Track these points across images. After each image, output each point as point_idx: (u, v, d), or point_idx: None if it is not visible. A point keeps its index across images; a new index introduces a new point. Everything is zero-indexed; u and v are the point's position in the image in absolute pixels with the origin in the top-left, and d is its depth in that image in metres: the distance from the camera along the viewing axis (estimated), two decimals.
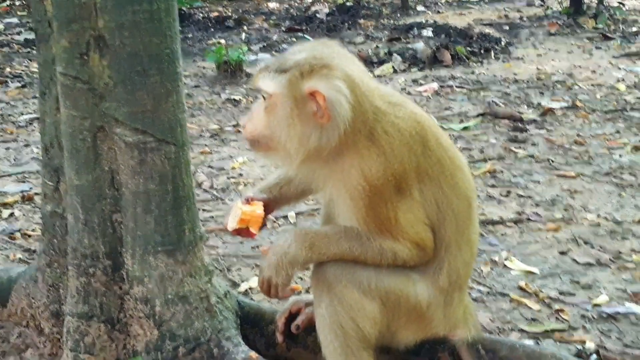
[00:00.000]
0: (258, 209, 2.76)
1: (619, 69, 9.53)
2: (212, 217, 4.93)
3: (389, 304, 2.66)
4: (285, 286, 2.62)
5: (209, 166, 6.02)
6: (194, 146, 6.59)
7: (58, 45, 2.70)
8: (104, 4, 2.63)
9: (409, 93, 8.55)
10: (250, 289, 3.87)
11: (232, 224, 2.74)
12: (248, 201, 2.79)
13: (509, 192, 5.35)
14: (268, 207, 2.83)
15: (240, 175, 5.82)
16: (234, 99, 8.29)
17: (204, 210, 5.04)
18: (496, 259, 4.27)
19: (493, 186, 5.49)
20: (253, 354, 2.87)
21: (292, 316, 3.00)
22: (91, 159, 2.74)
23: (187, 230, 2.82)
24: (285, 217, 4.90)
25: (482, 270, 4.12)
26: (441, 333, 2.81)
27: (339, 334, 2.63)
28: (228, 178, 5.75)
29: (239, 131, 7.11)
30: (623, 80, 8.87)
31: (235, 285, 3.91)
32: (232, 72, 9.11)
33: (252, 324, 3.08)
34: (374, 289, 2.64)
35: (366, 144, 2.52)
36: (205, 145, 6.57)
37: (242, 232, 2.76)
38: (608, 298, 3.77)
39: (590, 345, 3.29)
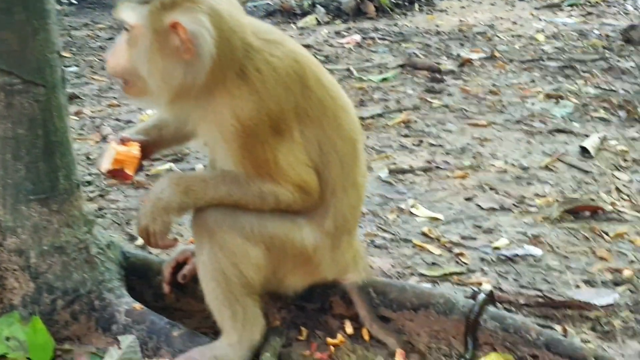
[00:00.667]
0: (134, 149, 2.64)
1: (540, 20, 9.59)
2: None
3: (273, 249, 2.60)
4: (163, 234, 2.52)
5: (117, 119, 5.86)
6: (102, 99, 6.44)
7: None
8: None
9: (331, 45, 8.48)
10: None
11: (106, 164, 2.61)
12: (123, 142, 2.66)
13: (421, 141, 5.33)
14: (146, 150, 2.71)
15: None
16: None
17: None
18: (403, 206, 4.24)
19: (406, 136, 5.46)
20: (137, 305, 2.78)
21: (179, 266, 2.92)
22: None
23: (62, 178, 2.70)
24: (193, 169, 4.79)
25: (387, 218, 4.08)
26: (330, 277, 2.77)
27: (221, 281, 2.57)
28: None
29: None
30: (543, 31, 8.93)
31: (133, 238, 3.80)
32: None
33: (139, 276, 2.99)
34: (257, 234, 2.57)
35: (237, 83, 2.42)
36: (114, 97, 6.40)
37: (117, 174, 2.63)
38: (508, 241, 3.77)
39: (486, 287, 3.27)
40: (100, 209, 4.14)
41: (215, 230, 2.54)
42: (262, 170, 2.50)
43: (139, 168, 2.68)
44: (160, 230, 2.51)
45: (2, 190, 2.64)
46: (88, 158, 4.98)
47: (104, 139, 5.29)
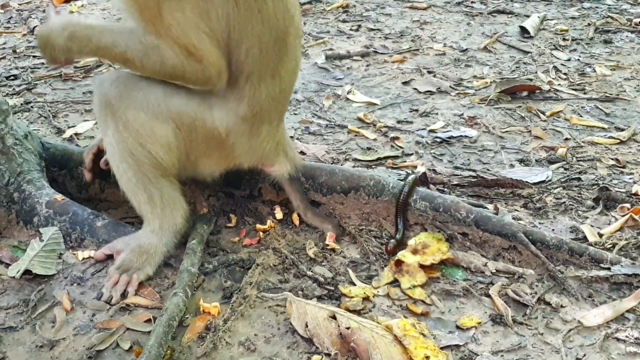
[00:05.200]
0: None
1: None
2: (43, 63, 4.59)
3: (183, 127, 2.47)
4: (53, 64, 2.47)
5: (44, 11, 5.60)
6: None
7: None
8: None
9: None
10: (76, 134, 3.63)
11: None
12: None
13: (359, 26, 5.21)
14: None
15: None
16: None
17: (34, 57, 4.70)
18: (339, 92, 4.15)
19: (344, 21, 5.34)
20: (59, 196, 2.68)
21: (100, 153, 2.80)
22: None
23: None
24: None
25: (323, 105, 4.00)
26: (246, 164, 2.66)
27: (130, 162, 2.47)
28: None
29: None
30: None
31: (60, 131, 3.67)
32: None
33: (60, 166, 2.88)
34: (164, 111, 2.44)
35: None
36: None
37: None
38: (444, 124, 3.73)
39: (420, 169, 3.23)
40: (27, 102, 3.99)
41: (117, 106, 2.42)
42: (149, 21, 2.30)
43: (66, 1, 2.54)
44: (49, 61, 2.47)
45: None
46: (14, 52, 4.77)
47: (32, 31, 5.06)
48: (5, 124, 2.68)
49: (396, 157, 3.41)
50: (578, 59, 4.52)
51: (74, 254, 2.57)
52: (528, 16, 5.13)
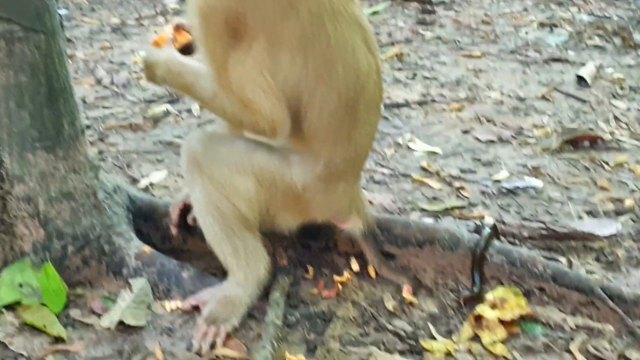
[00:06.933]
0: (182, 39, 2.69)
1: None
2: (113, 114, 4.76)
3: (263, 182, 2.58)
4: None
5: (110, 61, 5.80)
6: (93, 42, 6.36)
7: None
8: None
9: None
10: (151, 184, 3.76)
11: (152, 38, 2.72)
12: (177, 28, 2.71)
13: (415, 74, 5.31)
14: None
15: (142, 69, 5.61)
16: None
17: (103, 107, 4.87)
18: (400, 141, 4.25)
19: (400, 69, 5.45)
20: (146, 248, 2.80)
21: (186, 208, 2.93)
22: None
23: (66, 124, 2.69)
24: (189, 110, 4.77)
25: (385, 153, 4.09)
26: (320, 219, 2.76)
27: (216, 216, 2.58)
28: (129, 73, 5.56)
29: (142, 24, 6.87)
30: None
31: (135, 181, 3.80)
32: None
33: (146, 218, 3.00)
34: (246, 166, 2.56)
35: None
36: (106, 40, 6.33)
37: None
38: (508, 173, 3.79)
39: (489, 220, 3.29)
40: (100, 152, 4.13)
41: (203, 162, 2.55)
42: (215, 68, 2.44)
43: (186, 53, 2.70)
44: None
45: (7, 138, 2.62)
46: (84, 102, 4.94)
47: (99, 82, 5.24)
48: (97, 178, 2.81)
49: (462, 207, 3.48)
50: (638, 109, 4.57)
51: (162, 305, 2.68)
52: (583, 64, 5.20)
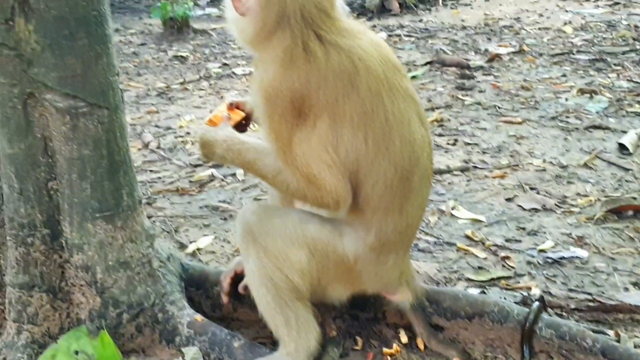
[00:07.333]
0: (236, 116, 2.81)
1: (566, 11, 9.58)
2: (160, 177, 4.87)
3: (316, 253, 2.64)
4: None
5: (156, 126, 5.93)
6: (140, 106, 6.51)
7: None
8: None
9: None
10: (198, 249, 3.84)
11: (208, 117, 2.83)
12: (232, 106, 2.83)
13: (456, 140, 5.36)
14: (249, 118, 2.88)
15: (188, 133, 5.75)
16: (181, 56, 8.18)
17: (150, 171, 4.98)
18: (443, 208, 4.28)
19: (440, 135, 5.50)
20: (198, 316, 2.86)
21: (237, 276, 2.99)
22: (23, 127, 2.66)
23: (125, 195, 2.78)
24: (234, 174, 4.85)
25: (429, 221, 4.13)
26: (370, 290, 2.82)
27: (269, 287, 2.63)
28: (175, 137, 5.69)
29: (186, 89, 7.03)
30: (570, 22, 8.92)
31: (183, 246, 3.88)
32: (178, 28, 9.00)
33: (197, 286, 3.07)
34: (299, 237, 2.62)
35: (288, 56, 2.47)
36: (152, 104, 6.48)
37: None
38: (553, 243, 3.81)
39: (535, 291, 3.32)
40: (149, 216, 4.21)
41: (258, 235, 2.62)
42: (279, 146, 2.52)
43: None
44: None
45: (68, 209, 2.72)
46: None
47: (146, 146, 5.36)
48: (153, 247, 2.89)
49: (509, 277, 3.50)
50: None
51: None
52: (624, 131, 5.22)
